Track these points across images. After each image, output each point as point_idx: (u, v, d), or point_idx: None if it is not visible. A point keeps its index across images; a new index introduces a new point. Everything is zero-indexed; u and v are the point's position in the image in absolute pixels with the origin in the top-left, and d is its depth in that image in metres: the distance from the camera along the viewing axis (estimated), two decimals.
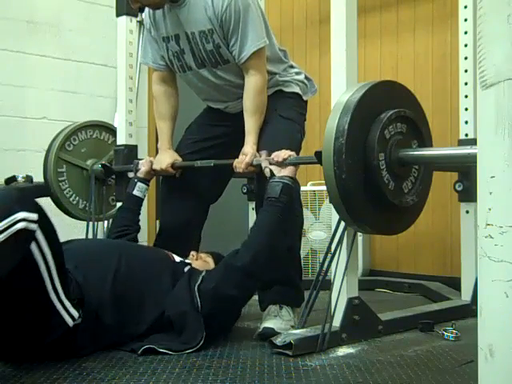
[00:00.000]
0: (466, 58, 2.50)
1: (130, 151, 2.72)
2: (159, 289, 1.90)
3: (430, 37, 3.26)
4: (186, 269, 2.01)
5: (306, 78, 2.31)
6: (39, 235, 1.52)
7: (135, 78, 2.97)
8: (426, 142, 1.94)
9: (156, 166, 2.31)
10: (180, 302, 1.86)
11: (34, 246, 1.52)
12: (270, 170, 1.98)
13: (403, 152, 1.83)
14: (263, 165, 2.01)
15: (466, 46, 2.50)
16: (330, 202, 1.81)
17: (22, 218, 1.45)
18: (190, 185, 2.33)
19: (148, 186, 2.38)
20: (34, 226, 1.48)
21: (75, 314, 1.65)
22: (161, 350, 1.77)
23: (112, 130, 2.85)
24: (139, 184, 2.34)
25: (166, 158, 2.29)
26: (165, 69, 2.33)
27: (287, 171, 1.95)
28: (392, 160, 1.80)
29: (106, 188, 2.76)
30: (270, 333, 1.93)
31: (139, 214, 2.35)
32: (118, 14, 2.77)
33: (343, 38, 1.95)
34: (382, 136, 1.78)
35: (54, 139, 2.72)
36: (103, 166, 2.67)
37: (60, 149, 2.69)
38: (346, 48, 1.95)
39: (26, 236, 1.48)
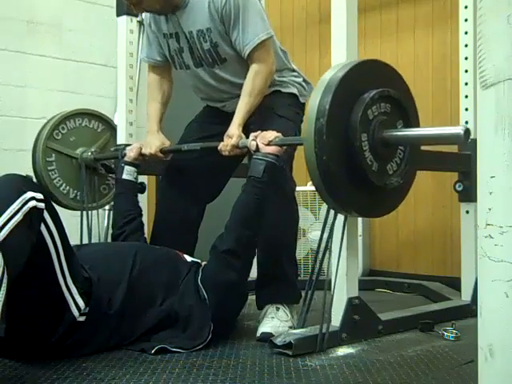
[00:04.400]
0: (466, 59, 2.50)
1: None
2: (171, 288, 1.91)
3: (430, 37, 3.26)
4: (193, 265, 2.03)
5: (305, 81, 2.31)
6: (46, 215, 1.55)
7: (135, 78, 2.97)
8: (412, 121, 1.87)
9: (145, 150, 2.30)
10: (186, 296, 1.89)
11: (43, 227, 1.55)
12: (256, 144, 1.95)
13: (387, 132, 1.76)
14: (250, 138, 1.99)
15: (466, 46, 2.50)
16: (313, 184, 1.77)
17: (32, 197, 1.51)
18: (187, 184, 2.32)
19: (137, 168, 2.36)
20: (42, 205, 1.53)
21: (81, 303, 1.66)
22: (173, 350, 1.78)
23: (101, 118, 2.82)
24: (127, 167, 2.33)
25: (154, 142, 2.28)
26: (161, 64, 2.34)
27: (272, 149, 1.93)
28: (375, 141, 1.74)
29: (97, 177, 2.73)
30: (268, 338, 1.91)
31: (136, 195, 2.35)
32: (118, 14, 2.77)
33: (343, 37, 1.95)
34: (365, 116, 1.72)
35: (42, 128, 2.70)
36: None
37: (48, 138, 2.65)
38: (346, 48, 1.95)
39: (36, 215, 1.52)
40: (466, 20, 2.50)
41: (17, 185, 1.53)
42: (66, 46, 3.48)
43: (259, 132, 1.98)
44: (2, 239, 1.43)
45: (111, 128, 2.83)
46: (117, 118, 3.26)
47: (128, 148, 2.38)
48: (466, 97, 2.49)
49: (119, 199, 2.34)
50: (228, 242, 1.90)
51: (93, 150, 2.70)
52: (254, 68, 2.11)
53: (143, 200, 2.73)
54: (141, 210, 2.34)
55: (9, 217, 1.45)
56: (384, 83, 1.81)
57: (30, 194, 1.50)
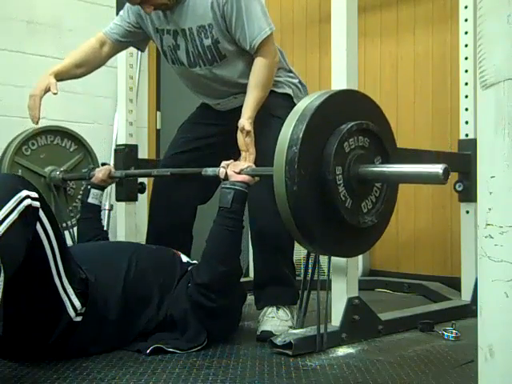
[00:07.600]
0: (466, 59, 2.50)
1: (131, 151, 2.73)
2: (168, 290, 1.91)
3: (430, 37, 3.26)
4: (190, 268, 2.02)
5: (300, 82, 2.29)
6: (42, 214, 1.54)
7: (135, 78, 2.98)
8: (392, 158, 1.72)
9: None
10: (181, 300, 1.88)
11: (38, 226, 1.54)
12: (226, 172, 1.92)
13: (363, 168, 1.62)
14: (221, 166, 1.95)
15: (466, 46, 2.50)
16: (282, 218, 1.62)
17: (27, 195, 1.49)
18: (179, 185, 2.30)
19: (103, 191, 2.38)
20: (37, 204, 1.51)
21: (78, 304, 1.65)
22: (169, 350, 1.78)
23: (74, 138, 2.69)
24: (93, 190, 2.33)
25: (42, 82, 2.28)
26: (113, 44, 2.34)
27: (242, 177, 1.89)
28: (351, 176, 1.60)
29: (66, 197, 2.63)
30: (268, 336, 1.91)
31: (100, 220, 2.37)
32: (118, 14, 2.77)
33: (343, 37, 1.95)
34: (341, 149, 1.58)
35: (10, 142, 2.55)
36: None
37: (16, 152, 2.50)
38: (346, 48, 1.95)
39: (32, 213, 1.50)
40: (466, 20, 2.50)
41: (11, 183, 1.51)
42: (66, 45, 3.47)
43: (231, 161, 1.96)
44: None
45: (84, 149, 2.71)
46: (117, 117, 3.27)
47: (97, 170, 2.38)
48: (466, 97, 2.49)
49: (85, 224, 2.33)
50: (202, 276, 1.85)
51: (62, 169, 2.58)
52: (259, 61, 2.10)
53: (143, 200, 2.73)
54: (107, 233, 2.36)
55: (4, 215, 1.43)
56: (363, 116, 1.66)
57: (24, 193, 1.49)
